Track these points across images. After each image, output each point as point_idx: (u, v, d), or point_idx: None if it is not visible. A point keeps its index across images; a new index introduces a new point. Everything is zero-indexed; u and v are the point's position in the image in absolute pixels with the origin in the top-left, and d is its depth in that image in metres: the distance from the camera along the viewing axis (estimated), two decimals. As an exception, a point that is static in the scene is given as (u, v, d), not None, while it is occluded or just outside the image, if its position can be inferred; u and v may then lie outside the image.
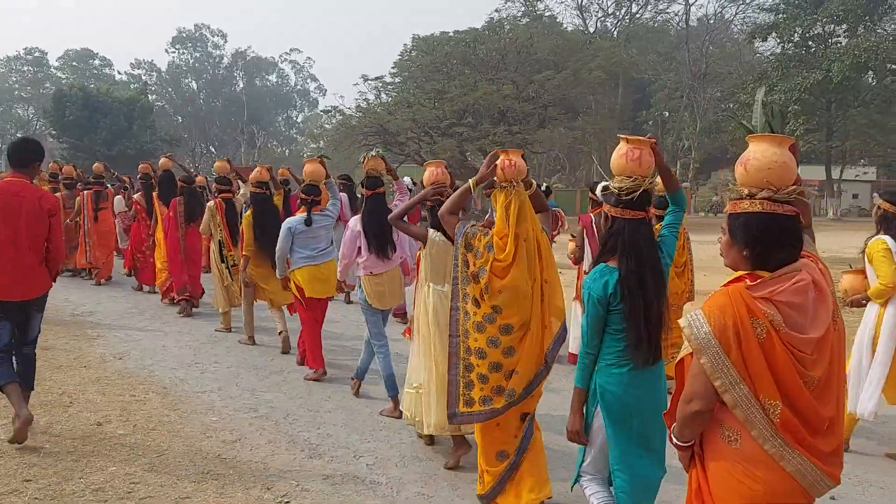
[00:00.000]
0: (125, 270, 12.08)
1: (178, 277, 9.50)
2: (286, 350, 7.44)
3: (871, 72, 33.31)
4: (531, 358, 3.66)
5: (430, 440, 4.87)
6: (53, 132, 45.10)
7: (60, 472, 4.25)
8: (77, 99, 42.99)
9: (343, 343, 7.89)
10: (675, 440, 2.33)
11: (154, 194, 10.39)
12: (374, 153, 5.99)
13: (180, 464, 4.45)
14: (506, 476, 3.81)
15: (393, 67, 37.32)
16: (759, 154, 2.29)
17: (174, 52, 73.26)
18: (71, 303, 10.06)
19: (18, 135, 71.14)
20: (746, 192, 2.29)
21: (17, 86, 70.60)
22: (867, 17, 34.21)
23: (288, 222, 6.60)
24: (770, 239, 2.21)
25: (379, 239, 5.62)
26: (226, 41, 75.42)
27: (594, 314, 3.01)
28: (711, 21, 47.42)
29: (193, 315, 9.37)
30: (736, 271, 2.30)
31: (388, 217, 4.84)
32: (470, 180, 3.83)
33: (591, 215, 6.69)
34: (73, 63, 71.00)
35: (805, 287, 2.17)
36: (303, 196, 6.62)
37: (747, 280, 2.21)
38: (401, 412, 5.06)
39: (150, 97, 55.18)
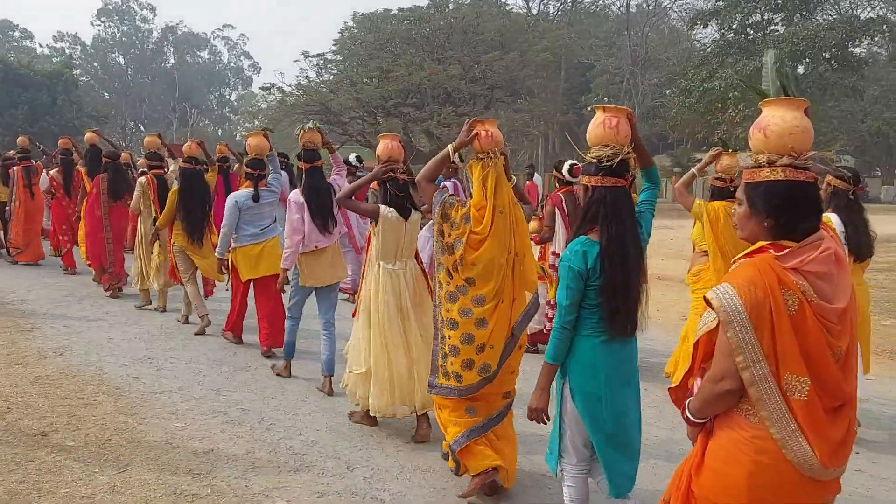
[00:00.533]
0: (52, 251, 11.20)
1: (98, 257, 9.09)
2: (202, 332, 7.15)
3: (807, 60, 34.05)
4: (502, 330, 3.61)
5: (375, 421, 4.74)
6: (-33, 106, 42.14)
7: (2, 497, 3.60)
8: (-5, 71, 40.31)
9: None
10: (689, 416, 2.26)
11: (82, 170, 9.94)
12: (310, 125, 5.88)
13: (146, 483, 3.85)
14: (474, 432, 3.66)
15: (334, 45, 36.25)
16: (778, 119, 2.20)
17: (100, 25, 69.76)
18: (-2, 290, 9.14)
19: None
20: (765, 159, 2.19)
21: (-74, 57, 66.08)
22: (803, 7, 34.94)
23: (234, 196, 6.41)
24: (794, 207, 2.13)
25: (321, 211, 5.51)
26: (155, 15, 72.42)
27: (573, 287, 2.87)
28: (651, 7, 47.81)
29: (121, 297, 8.88)
30: (753, 244, 2.21)
31: (336, 198, 4.90)
32: (449, 146, 3.74)
33: (560, 194, 6.56)
34: (-10, 34, 66.88)
35: (830, 256, 2.12)
36: (248, 170, 6.42)
37: (772, 251, 2.11)
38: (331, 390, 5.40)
39: (74, 72, 52.30)
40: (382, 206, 4.47)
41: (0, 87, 39.93)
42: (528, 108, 31.97)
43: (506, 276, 3.62)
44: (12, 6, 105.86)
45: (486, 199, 3.59)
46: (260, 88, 34.77)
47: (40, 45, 68.80)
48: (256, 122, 39.36)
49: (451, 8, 33.07)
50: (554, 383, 2.99)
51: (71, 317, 7.79)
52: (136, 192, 8.07)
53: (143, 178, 8.01)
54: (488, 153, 3.64)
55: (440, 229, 3.67)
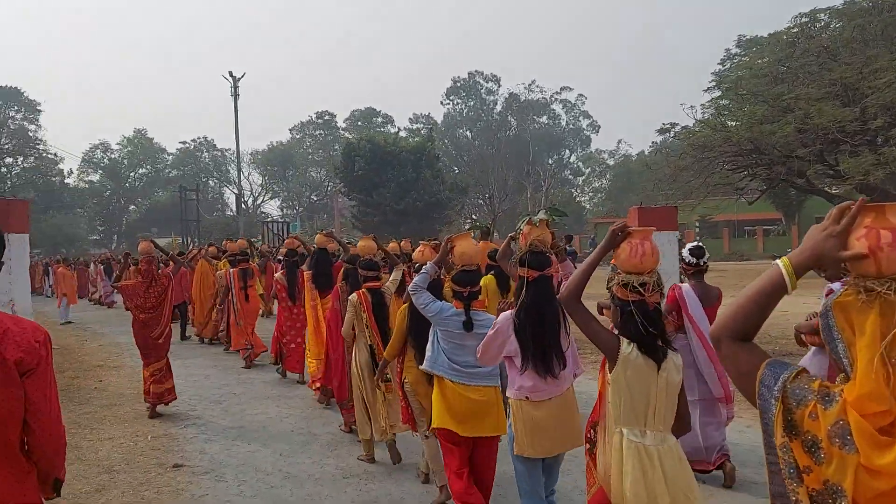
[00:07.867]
0: (271, 358, 10.49)
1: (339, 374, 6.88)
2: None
3: None
4: None
5: None
6: (343, 189, 42.60)
7: None
8: (365, 152, 40.10)
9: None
10: None
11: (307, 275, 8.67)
12: (541, 216, 3.97)
13: None
14: None
15: (716, 77, 28.38)
16: None
17: (448, 104, 71.26)
18: None
19: (313, 197, 73.63)
20: None
21: (310, 150, 73.22)
22: None
23: (441, 307, 4.40)
24: None
25: (539, 344, 3.72)
26: (499, 85, 71.61)
27: None
28: None
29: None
30: None
31: (562, 296, 3.11)
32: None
33: None
34: (359, 123, 72.25)
35: None
36: (456, 288, 4.36)
37: None
38: None
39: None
40: (623, 341, 2.91)
41: (369, 167, 39.63)
42: None
43: None
44: (375, 95, 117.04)
45: (888, 389, 1.41)
46: (657, 131, 28.02)
47: (399, 129, 72.27)
48: (603, 182, 34.03)
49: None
50: None
51: None
52: (347, 314, 6.14)
53: (353, 296, 6.15)
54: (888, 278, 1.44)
55: (789, 458, 1.52)
